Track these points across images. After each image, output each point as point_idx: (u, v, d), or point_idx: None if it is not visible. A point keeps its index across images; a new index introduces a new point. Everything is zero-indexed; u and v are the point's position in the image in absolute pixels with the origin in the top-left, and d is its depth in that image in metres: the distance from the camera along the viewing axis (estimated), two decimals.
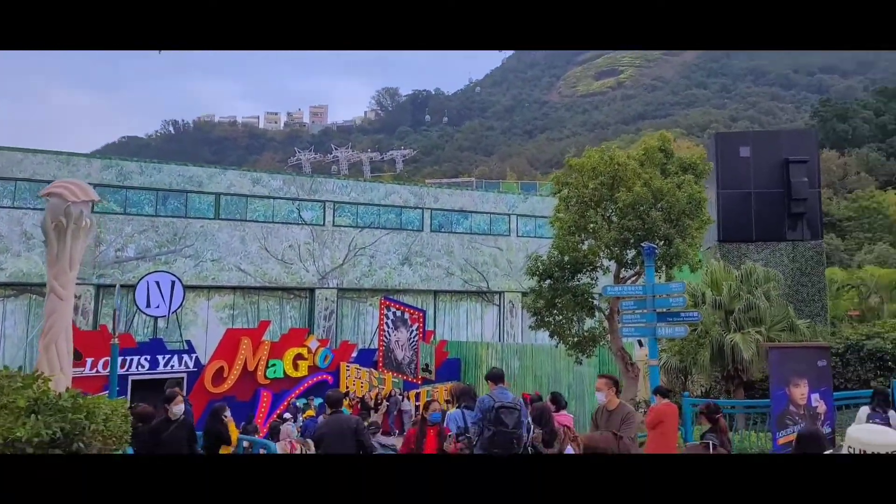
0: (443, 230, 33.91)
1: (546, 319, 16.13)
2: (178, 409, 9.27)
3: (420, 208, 33.58)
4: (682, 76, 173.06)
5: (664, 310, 13.72)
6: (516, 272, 34.38)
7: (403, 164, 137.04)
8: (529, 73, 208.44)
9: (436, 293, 33.58)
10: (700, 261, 16.27)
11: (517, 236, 35.15)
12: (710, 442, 9.32)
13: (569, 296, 15.30)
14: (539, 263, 16.01)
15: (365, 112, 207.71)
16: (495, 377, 8.21)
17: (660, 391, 11.89)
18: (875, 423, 10.54)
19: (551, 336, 16.71)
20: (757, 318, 19.62)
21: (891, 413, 11.35)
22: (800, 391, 11.70)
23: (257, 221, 30.08)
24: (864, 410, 11.13)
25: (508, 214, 35.24)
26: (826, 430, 11.59)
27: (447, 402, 10.90)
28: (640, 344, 25.21)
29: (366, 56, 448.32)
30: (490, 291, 34.39)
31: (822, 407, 11.61)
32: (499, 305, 34.70)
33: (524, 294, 33.88)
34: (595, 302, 15.92)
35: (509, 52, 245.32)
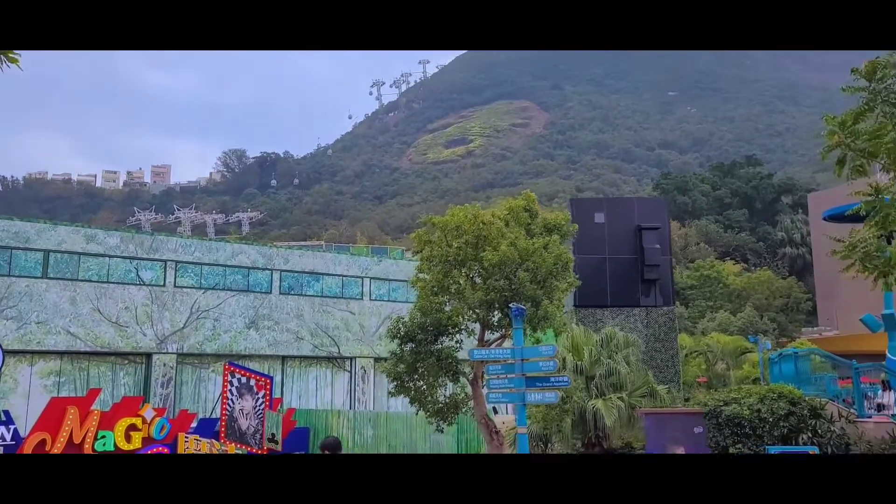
0: (292, 292, 32.15)
1: (407, 385, 14.97)
2: None
3: (269, 269, 31.70)
4: (529, 147, 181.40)
5: (533, 374, 12.98)
6: (369, 337, 33.06)
7: (250, 226, 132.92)
8: (380, 139, 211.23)
9: (284, 358, 31.52)
10: (565, 324, 15.86)
11: (370, 300, 33.94)
12: None
13: (432, 359, 14.26)
14: (401, 325, 14.93)
15: (210, 173, 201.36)
16: (331, 446, 7.83)
17: None
18: None
19: (412, 402, 15.55)
20: (618, 384, 19.50)
21: None
22: None
23: (90, 281, 27.08)
24: None
25: (361, 277, 34.05)
26: None
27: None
28: (495, 411, 24.60)
29: (209, 114, 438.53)
30: (341, 357, 32.76)
31: None
32: (350, 371, 33.07)
33: (379, 359, 32.61)
34: (459, 366, 14.97)
35: (360, 119, 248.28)
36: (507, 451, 15.39)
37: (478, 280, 14.77)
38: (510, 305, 12.96)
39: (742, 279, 59.14)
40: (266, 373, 24.89)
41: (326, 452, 8.65)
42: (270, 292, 31.47)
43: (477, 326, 15.43)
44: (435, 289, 14.43)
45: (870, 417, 18.43)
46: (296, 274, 32.43)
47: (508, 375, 12.95)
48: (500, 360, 13.09)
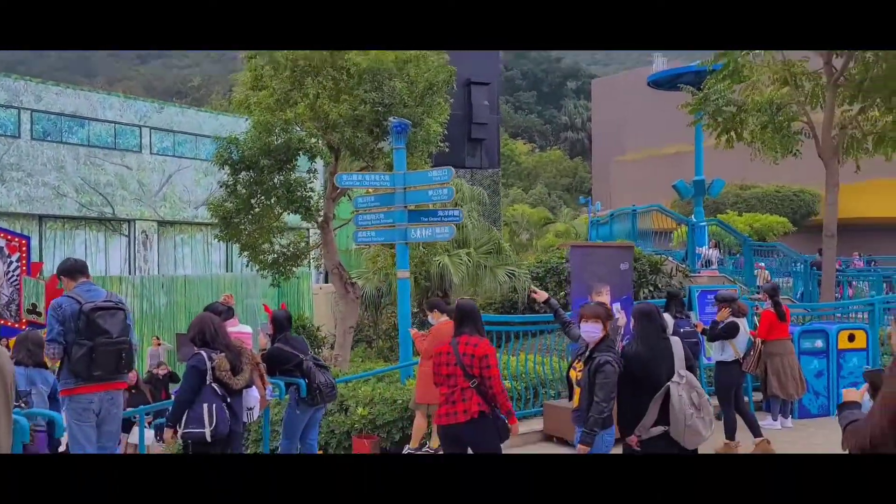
0: (49, 139, 26.17)
1: (240, 227, 11.66)
2: None
3: (15, 107, 25.38)
4: None
5: (418, 206, 10.44)
6: (150, 197, 28.20)
7: None
8: None
9: (41, 218, 25.87)
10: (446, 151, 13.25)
11: (151, 154, 28.78)
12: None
13: (280, 191, 11.01)
14: (233, 148, 11.34)
15: None
16: (69, 271, 6.24)
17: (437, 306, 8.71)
18: (685, 329, 8.66)
19: (242, 251, 12.34)
20: (461, 240, 17.61)
21: (690, 314, 9.65)
22: (602, 300, 9.41)
23: None
24: (667, 318, 9.21)
25: (139, 126, 28.63)
26: (625, 342, 9.54)
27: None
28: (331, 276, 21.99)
29: None
30: (116, 219, 27.67)
31: (622, 318, 9.44)
32: (128, 236, 28.17)
33: (165, 223, 28.24)
34: (311, 202, 11.85)
35: None
36: (359, 307, 12.86)
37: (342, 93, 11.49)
38: (391, 119, 10.12)
39: (533, 158, 60.31)
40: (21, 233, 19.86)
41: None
42: (19, 136, 25.32)
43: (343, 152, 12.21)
44: (280, 101, 11.02)
45: (699, 273, 18.51)
46: (53, 117, 26.32)
47: (386, 208, 10.26)
48: (377, 189, 10.34)
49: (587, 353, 5.56)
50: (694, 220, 20.14)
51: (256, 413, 6.45)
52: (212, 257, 29.88)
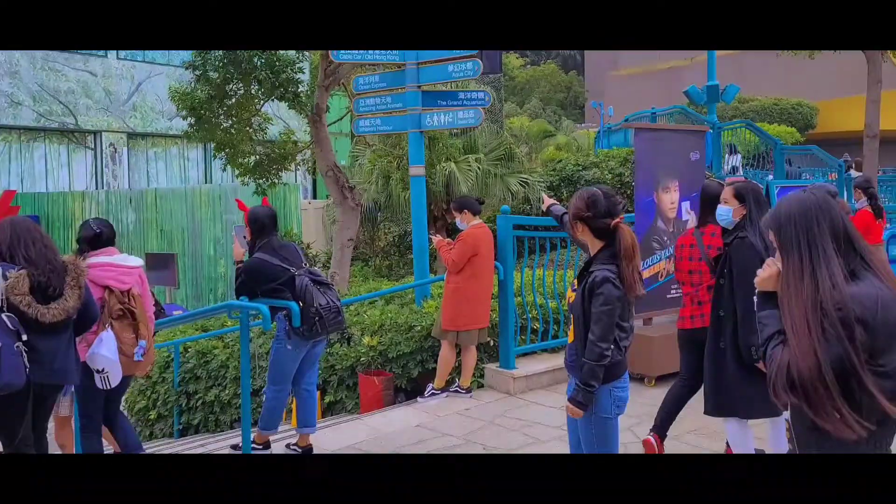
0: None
1: (214, 121, 9.53)
2: None
3: None
4: None
5: (434, 86, 8.42)
6: (118, 106, 25.69)
7: None
8: None
9: None
10: None
11: (119, 59, 26.10)
12: None
13: (262, 74, 8.81)
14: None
15: None
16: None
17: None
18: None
19: (218, 150, 10.27)
20: (469, 146, 15.61)
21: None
22: (669, 198, 7.51)
23: None
24: None
25: None
26: None
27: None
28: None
29: None
30: (80, 130, 25.22)
31: (692, 221, 7.61)
32: (94, 149, 25.78)
33: (135, 135, 25.99)
34: (299, 88, 9.64)
35: None
36: (359, 216, 10.91)
37: None
38: None
39: (527, 72, 57.56)
40: None
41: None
42: None
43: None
44: None
45: (725, 179, 16.80)
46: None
47: (395, 90, 8.20)
48: (385, 64, 8.23)
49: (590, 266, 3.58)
50: (717, 122, 18.24)
51: (115, 379, 4.53)
52: (189, 173, 27.67)
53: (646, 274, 6.97)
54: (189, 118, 9.44)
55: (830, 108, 36.61)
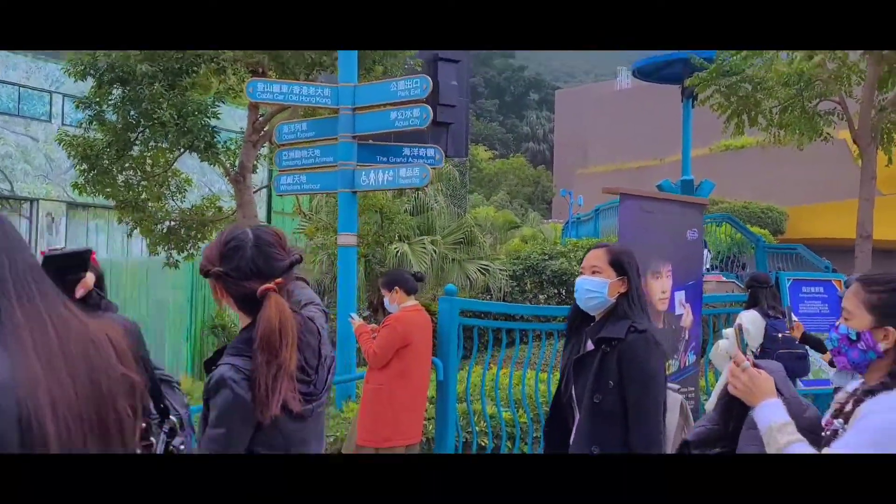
0: None
1: (110, 172, 7.88)
2: None
3: None
4: None
5: (372, 135, 7.05)
6: (60, 174, 24.07)
7: None
8: None
9: None
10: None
11: (64, 124, 24.69)
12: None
13: (167, 115, 7.26)
14: (97, 55, 7.37)
15: None
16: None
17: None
18: (785, 335, 5.63)
19: (121, 211, 8.64)
20: (426, 226, 14.26)
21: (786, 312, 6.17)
22: (660, 286, 5.98)
23: None
24: (753, 319, 5.88)
25: (50, 91, 24.62)
26: (690, 359, 6.15)
27: None
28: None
29: None
30: (16, 198, 23.47)
31: (688, 316, 6.13)
32: (30, 219, 23.96)
33: (76, 206, 24.23)
34: (216, 137, 8.08)
35: None
36: None
37: None
38: None
39: (495, 164, 57.38)
40: None
41: None
42: None
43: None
44: None
45: (703, 277, 15.74)
46: None
47: (324, 140, 6.78)
48: (317, 109, 6.83)
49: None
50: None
51: None
52: (133, 247, 25.92)
53: None
54: (81, 166, 7.88)
55: (800, 214, 36.41)
